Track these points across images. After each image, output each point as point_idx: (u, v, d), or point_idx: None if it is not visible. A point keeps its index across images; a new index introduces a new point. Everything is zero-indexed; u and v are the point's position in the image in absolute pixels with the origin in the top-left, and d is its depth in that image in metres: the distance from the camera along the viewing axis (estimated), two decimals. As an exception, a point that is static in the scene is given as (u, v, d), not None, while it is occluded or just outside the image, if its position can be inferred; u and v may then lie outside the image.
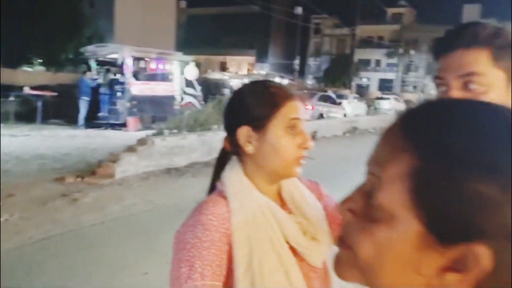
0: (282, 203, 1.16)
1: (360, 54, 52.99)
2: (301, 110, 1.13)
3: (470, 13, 54.43)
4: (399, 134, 0.44)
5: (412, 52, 51.90)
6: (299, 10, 26.89)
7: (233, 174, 1.12)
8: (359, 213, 0.47)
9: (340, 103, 21.32)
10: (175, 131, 9.12)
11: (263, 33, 49.39)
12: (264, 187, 1.13)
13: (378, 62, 56.87)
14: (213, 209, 1.05)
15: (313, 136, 13.80)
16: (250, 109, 1.11)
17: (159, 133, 8.65)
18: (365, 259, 0.45)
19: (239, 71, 49.10)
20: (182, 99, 15.65)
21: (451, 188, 0.39)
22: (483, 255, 0.38)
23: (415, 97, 43.07)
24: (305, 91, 26.06)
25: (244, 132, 1.10)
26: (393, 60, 53.13)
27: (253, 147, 1.10)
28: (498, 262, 0.38)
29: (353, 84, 47.56)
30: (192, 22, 46.94)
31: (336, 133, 14.84)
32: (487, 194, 0.38)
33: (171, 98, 14.93)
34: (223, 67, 47.18)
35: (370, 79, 56.64)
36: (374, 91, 49.03)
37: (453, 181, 0.39)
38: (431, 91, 50.89)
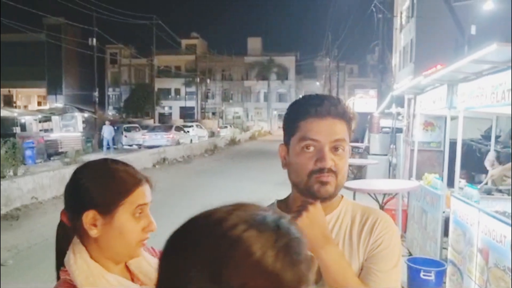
0: (132, 276, 1.18)
1: (160, 84, 53.86)
2: (148, 194, 1.15)
3: (253, 44, 60.87)
4: None
5: (208, 80, 55.08)
6: (93, 40, 25.89)
7: (78, 260, 1.08)
8: None
9: (188, 132, 27.27)
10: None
11: (53, 64, 45.77)
12: (111, 267, 1.13)
13: (177, 91, 58.54)
14: None
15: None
16: (97, 194, 1.10)
17: None
18: None
19: (28, 104, 44.38)
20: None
21: None
22: None
23: (215, 123, 45.64)
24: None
25: (89, 216, 1.09)
26: (192, 89, 55.36)
27: (97, 231, 1.09)
28: None
29: (156, 113, 47.77)
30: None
31: (146, 165, 14.70)
32: None
33: None
34: (9, 101, 41.92)
35: (171, 107, 57.85)
36: (176, 119, 50.15)
37: None
38: (228, 116, 54.65)
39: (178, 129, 26.22)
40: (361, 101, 27.13)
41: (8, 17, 24.62)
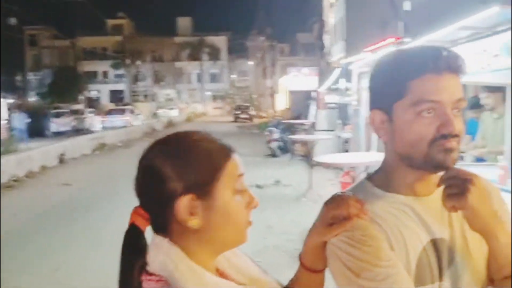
0: (219, 273, 0.98)
1: (86, 66, 51.05)
2: (240, 164, 0.94)
3: (183, 24, 59.45)
4: None
5: (138, 62, 53.11)
6: (12, 20, 23.80)
7: (179, 264, 0.87)
8: None
9: (139, 114, 30.47)
10: None
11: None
12: (207, 264, 0.92)
13: (105, 74, 55.98)
14: None
15: (62, 159, 12.53)
16: (188, 173, 0.87)
17: None
18: None
19: None
20: None
21: None
22: None
23: (148, 106, 44.30)
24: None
25: (184, 204, 0.86)
26: (121, 71, 53.23)
27: (198, 219, 0.87)
28: None
29: (83, 97, 45.36)
30: None
31: (85, 152, 13.88)
32: None
33: None
34: None
35: (100, 91, 55.20)
36: (106, 103, 47.99)
37: None
38: (161, 99, 53.24)
39: (131, 111, 29.19)
40: (295, 79, 27.56)
41: None
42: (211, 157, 0.89)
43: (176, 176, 0.87)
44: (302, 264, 1.07)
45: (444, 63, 0.94)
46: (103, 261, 4.39)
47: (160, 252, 0.88)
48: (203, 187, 0.87)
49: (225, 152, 0.91)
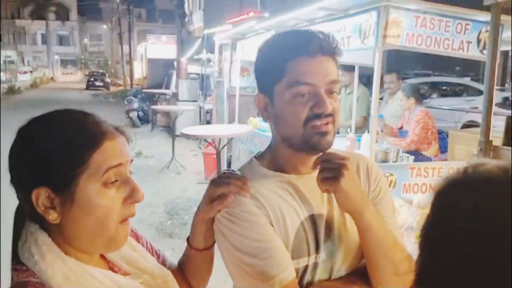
0: (110, 265, 0.94)
1: None
2: (124, 150, 0.86)
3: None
4: None
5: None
6: None
7: (47, 255, 0.80)
8: None
9: None
10: None
11: None
12: (84, 257, 0.87)
13: None
14: None
15: None
16: (45, 163, 0.80)
17: None
18: None
19: None
20: None
21: None
22: None
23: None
24: None
25: (42, 196, 0.80)
26: None
27: (57, 214, 0.81)
28: None
29: None
30: None
31: None
32: None
33: None
34: None
35: None
36: None
37: None
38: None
39: None
40: (154, 47, 26.61)
41: None
42: (72, 148, 0.80)
43: (30, 167, 0.80)
44: (189, 245, 1.10)
45: (316, 46, 0.97)
46: None
47: (29, 239, 0.81)
48: (60, 181, 0.79)
49: (94, 139, 0.81)
